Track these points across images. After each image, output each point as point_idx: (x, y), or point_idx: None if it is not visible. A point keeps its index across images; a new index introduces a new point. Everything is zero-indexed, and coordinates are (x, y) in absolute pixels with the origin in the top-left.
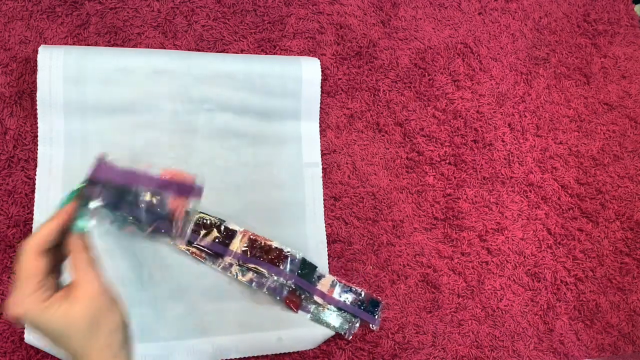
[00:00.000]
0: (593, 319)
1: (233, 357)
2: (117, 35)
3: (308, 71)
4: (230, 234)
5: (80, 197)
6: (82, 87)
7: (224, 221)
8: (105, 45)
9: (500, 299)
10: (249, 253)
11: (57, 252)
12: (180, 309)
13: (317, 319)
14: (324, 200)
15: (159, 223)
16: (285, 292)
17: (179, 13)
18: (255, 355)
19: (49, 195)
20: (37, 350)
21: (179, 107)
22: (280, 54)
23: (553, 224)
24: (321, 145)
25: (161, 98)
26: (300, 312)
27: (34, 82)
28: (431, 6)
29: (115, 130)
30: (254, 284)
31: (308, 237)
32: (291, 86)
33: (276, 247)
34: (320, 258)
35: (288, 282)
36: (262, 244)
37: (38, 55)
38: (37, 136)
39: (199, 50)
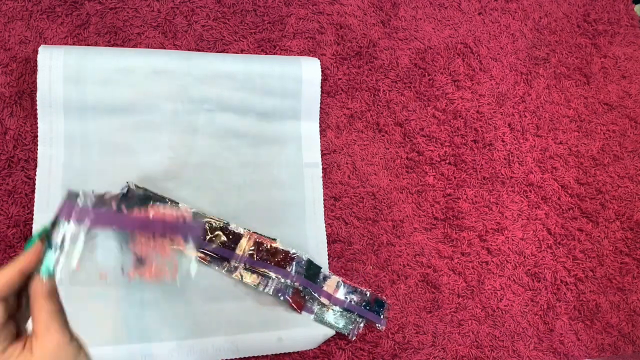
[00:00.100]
0: (593, 319)
1: (233, 357)
2: (117, 35)
3: (308, 71)
4: (235, 238)
5: (47, 238)
6: (82, 87)
7: (228, 224)
8: (105, 45)
9: (500, 299)
10: (255, 256)
11: (19, 298)
12: (180, 309)
13: (321, 320)
14: (324, 200)
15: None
16: (289, 293)
17: (179, 13)
18: (255, 355)
19: (49, 195)
20: None
21: (179, 107)
22: (280, 54)
23: (553, 224)
24: (321, 145)
25: (161, 98)
26: (303, 312)
27: (34, 82)
28: (431, 6)
29: (115, 130)
30: (259, 285)
31: (308, 237)
32: (291, 86)
33: (282, 249)
34: (320, 258)
35: (295, 283)
36: (269, 247)
37: (38, 55)
38: (37, 136)
39: (199, 50)
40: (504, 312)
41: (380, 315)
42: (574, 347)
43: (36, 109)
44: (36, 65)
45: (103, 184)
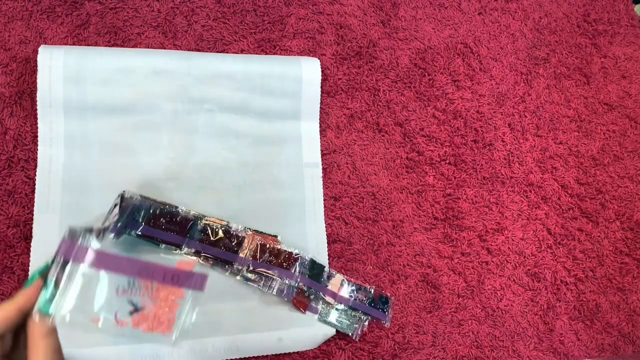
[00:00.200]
0: (593, 319)
1: (233, 357)
2: (117, 35)
3: (308, 71)
4: (238, 241)
5: (45, 276)
6: (82, 87)
7: (230, 227)
8: (105, 45)
9: (500, 299)
10: (258, 258)
11: (16, 336)
12: None
13: (325, 319)
14: (324, 200)
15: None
16: (293, 293)
17: (179, 13)
18: (255, 355)
19: (49, 195)
20: None
21: (179, 107)
22: (280, 54)
23: (553, 224)
24: (321, 145)
25: (161, 98)
26: (308, 312)
27: (34, 82)
28: (431, 6)
29: (115, 130)
30: (262, 286)
31: (308, 237)
32: (291, 86)
33: (285, 250)
34: (320, 258)
35: (299, 284)
36: (271, 248)
37: (38, 55)
38: (37, 136)
39: (199, 50)
40: (504, 312)
41: (385, 312)
42: (574, 347)
43: (36, 109)
44: (36, 65)
45: (103, 184)
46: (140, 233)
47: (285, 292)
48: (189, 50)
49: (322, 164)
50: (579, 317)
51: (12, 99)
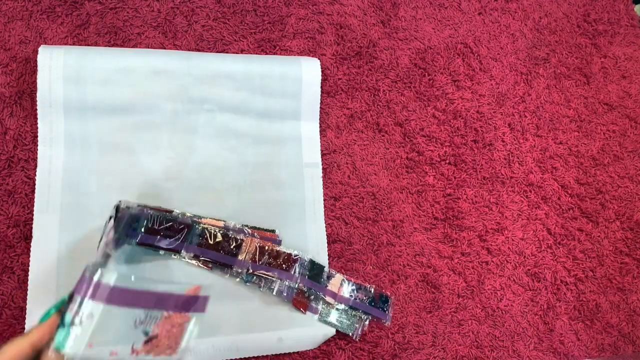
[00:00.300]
0: (593, 319)
1: (233, 358)
2: (117, 35)
3: (308, 71)
4: (237, 244)
5: (62, 312)
6: (82, 87)
7: (228, 225)
8: (105, 45)
9: (500, 299)
10: (257, 261)
11: None
12: None
13: (325, 320)
14: (324, 200)
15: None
16: (293, 294)
17: (179, 13)
18: (256, 355)
19: (49, 195)
20: None
21: (179, 107)
22: (280, 54)
23: (553, 224)
24: (321, 145)
25: (161, 98)
26: (308, 312)
27: (34, 82)
28: (431, 6)
29: (115, 130)
30: (262, 288)
31: (308, 237)
32: (291, 86)
33: (284, 252)
34: (320, 258)
35: (299, 285)
36: (270, 250)
37: (38, 55)
38: (37, 136)
39: (199, 50)
40: (504, 312)
41: (385, 312)
42: (574, 347)
43: (36, 109)
44: (36, 65)
45: (103, 184)
46: (138, 241)
47: (285, 293)
48: (189, 50)
49: (322, 164)
50: (579, 317)
51: (12, 99)
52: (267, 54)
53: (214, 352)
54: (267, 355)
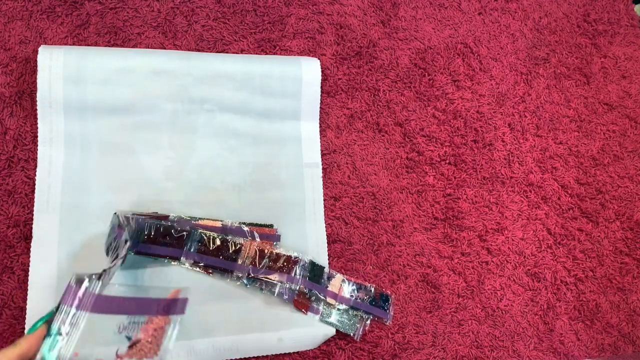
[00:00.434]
0: (593, 319)
1: (233, 358)
2: (117, 35)
3: (308, 71)
4: (236, 249)
5: (49, 323)
6: (82, 87)
7: (227, 230)
8: (105, 45)
9: (500, 299)
10: (257, 264)
11: None
12: None
13: (327, 320)
14: (324, 200)
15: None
16: (294, 296)
17: (179, 13)
18: (256, 355)
19: (49, 195)
20: None
21: (179, 107)
22: (280, 54)
23: (553, 224)
24: (321, 145)
25: (161, 98)
26: (309, 313)
27: (34, 82)
28: (431, 6)
29: (115, 130)
30: (263, 290)
31: (308, 237)
32: (291, 86)
33: (284, 254)
34: (320, 258)
35: (300, 286)
36: (270, 253)
37: (38, 55)
38: (37, 136)
39: (199, 50)
40: (504, 312)
41: (386, 311)
42: (574, 347)
43: (36, 109)
44: (36, 65)
45: (103, 184)
46: (136, 251)
47: (286, 295)
48: (189, 50)
49: (322, 164)
50: (579, 317)
51: (12, 99)
52: (267, 54)
53: (214, 352)
54: (267, 355)
